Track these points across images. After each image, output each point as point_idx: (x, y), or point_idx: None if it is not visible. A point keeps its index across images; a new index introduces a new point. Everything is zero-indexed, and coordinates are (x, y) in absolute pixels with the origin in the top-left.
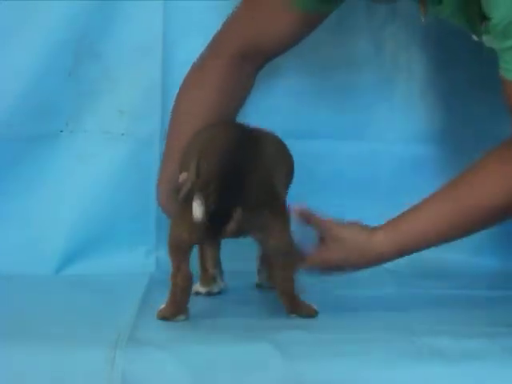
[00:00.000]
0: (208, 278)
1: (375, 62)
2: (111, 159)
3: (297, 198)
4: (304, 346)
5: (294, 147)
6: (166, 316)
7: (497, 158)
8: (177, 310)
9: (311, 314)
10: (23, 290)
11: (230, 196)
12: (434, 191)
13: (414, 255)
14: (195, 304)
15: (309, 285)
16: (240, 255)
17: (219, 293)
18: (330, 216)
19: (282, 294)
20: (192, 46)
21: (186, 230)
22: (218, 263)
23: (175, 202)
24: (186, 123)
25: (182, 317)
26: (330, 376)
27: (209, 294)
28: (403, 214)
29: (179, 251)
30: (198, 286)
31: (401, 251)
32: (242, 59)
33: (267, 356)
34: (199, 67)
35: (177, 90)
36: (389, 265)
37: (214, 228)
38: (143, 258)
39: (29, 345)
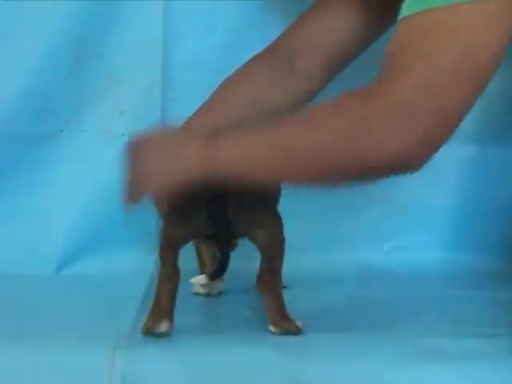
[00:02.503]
0: (209, 262)
1: (375, 61)
2: (111, 159)
3: (296, 197)
4: (304, 347)
5: None
6: (149, 326)
7: (345, 102)
8: (159, 315)
9: (292, 330)
10: (23, 289)
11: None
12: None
13: (414, 255)
14: (195, 304)
15: (309, 284)
16: (240, 255)
17: (219, 294)
18: (330, 217)
19: (268, 293)
20: (192, 46)
21: (178, 227)
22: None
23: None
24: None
25: (165, 324)
26: (330, 376)
27: (208, 294)
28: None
29: (170, 250)
30: (197, 287)
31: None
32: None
33: (267, 356)
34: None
35: (177, 90)
36: (389, 265)
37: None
38: (143, 258)
39: (29, 345)
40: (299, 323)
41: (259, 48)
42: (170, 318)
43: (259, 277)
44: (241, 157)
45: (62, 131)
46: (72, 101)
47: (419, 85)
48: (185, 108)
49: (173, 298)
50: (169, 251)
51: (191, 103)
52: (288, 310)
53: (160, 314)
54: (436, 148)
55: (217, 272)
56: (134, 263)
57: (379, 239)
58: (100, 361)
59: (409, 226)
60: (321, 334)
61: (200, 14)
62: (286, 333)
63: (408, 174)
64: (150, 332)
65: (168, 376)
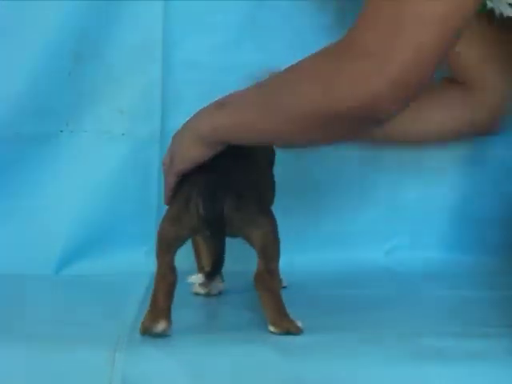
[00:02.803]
0: (206, 260)
1: None
2: (111, 159)
3: (296, 197)
4: (304, 347)
5: None
6: (146, 326)
7: (321, 57)
8: (156, 315)
9: (292, 330)
10: (23, 289)
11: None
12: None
13: (414, 255)
14: (195, 304)
15: (309, 284)
16: (240, 255)
17: (219, 294)
18: (330, 217)
19: (267, 293)
20: (192, 46)
21: (171, 224)
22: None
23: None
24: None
25: (162, 323)
26: (330, 376)
27: (208, 294)
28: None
29: (165, 247)
30: (196, 287)
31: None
32: None
33: (267, 356)
34: None
35: (177, 90)
36: (389, 265)
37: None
38: (143, 258)
39: (29, 345)
40: (299, 323)
41: (259, 48)
42: (168, 317)
43: (257, 277)
44: (236, 121)
45: (62, 131)
46: (72, 101)
47: (388, 30)
48: (185, 108)
49: (170, 297)
50: (164, 250)
51: (191, 103)
52: (288, 309)
53: (157, 313)
54: (408, 93)
55: (213, 271)
56: (134, 263)
57: (379, 239)
58: (100, 361)
59: (409, 226)
60: (321, 334)
61: (200, 14)
62: (286, 333)
63: (380, 122)
64: (147, 331)
65: (168, 376)
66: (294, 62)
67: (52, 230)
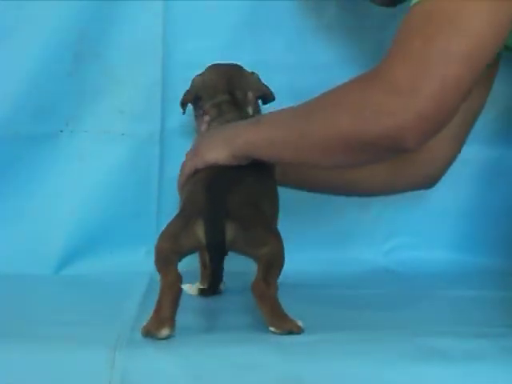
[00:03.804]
0: (207, 275)
1: (376, 61)
2: (111, 159)
3: (296, 197)
4: (304, 346)
5: None
6: (149, 330)
7: (351, 87)
8: (160, 322)
9: (293, 330)
10: (23, 289)
11: (220, 213)
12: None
13: (414, 255)
14: (195, 304)
15: (309, 284)
16: (240, 256)
17: (219, 293)
18: (330, 216)
19: (262, 299)
20: (192, 46)
21: (167, 241)
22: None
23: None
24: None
25: (166, 330)
26: (330, 376)
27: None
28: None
29: (163, 262)
30: (198, 285)
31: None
32: None
33: (267, 356)
34: None
35: (177, 90)
36: (389, 265)
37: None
38: (143, 258)
39: (28, 345)
40: (300, 323)
41: (259, 48)
42: (172, 325)
43: (253, 284)
44: (268, 140)
45: (61, 131)
46: (72, 101)
47: (416, 65)
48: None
49: (175, 305)
50: (163, 264)
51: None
52: (288, 310)
53: (161, 320)
54: (434, 126)
55: (208, 291)
56: (134, 263)
57: (379, 239)
58: (100, 361)
59: (409, 226)
60: (321, 334)
61: (200, 14)
62: (288, 333)
63: (406, 152)
64: (149, 335)
65: (168, 376)
66: (293, 62)
67: (52, 230)
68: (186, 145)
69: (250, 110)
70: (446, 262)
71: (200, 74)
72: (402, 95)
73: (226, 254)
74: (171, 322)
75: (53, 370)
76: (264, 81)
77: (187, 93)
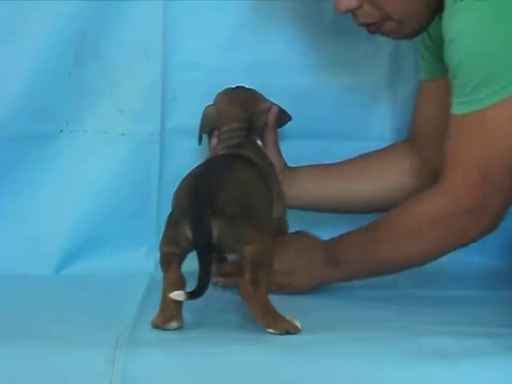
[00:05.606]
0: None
1: (375, 62)
2: (111, 159)
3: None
4: (303, 347)
5: (294, 147)
6: (158, 323)
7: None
8: (168, 316)
9: (291, 330)
10: (23, 289)
11: (205, 209)
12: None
13: None
14: (195, 304)
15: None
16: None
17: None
18: (330, 216)
19: (252, 302)
20: (192, 46)
21: (166, 244)
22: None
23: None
24: None
25: (174, 323)
26: (330, 376)
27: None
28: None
29: (165, 264)
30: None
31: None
32: None
33: (267, 356)
34: None
35: (177, 90)
36: None
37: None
38: (143, 257)
39: (29, 345)
40: (297, 322)
41: (258, 48)
42: (180, 317)
43: (240, 287)
44: (348, 273)
45: (61, 131)
46: (72, 101)
47: (485, 187)
48: (185, 108)
49: (179, 304)
50: (165, 265)
51: (191, 103)
52: (288, 310)
53: (169, 314)
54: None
55: (195, 294)
56: (134, 263)
57: None
58: (100, 361)
59: None
60: (320, 334)
61: (200, 13)
62: (286, 333)
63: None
64: (159, 327)
65: (168, 376)
66: (293, 62)
67: (52, 230)
68: (186, 145)
69: (259, 141)
70: (446, 262)
71: (213, 104)
72: (473, 216)
73: (213, 252)
74: (179, 315)
75: (53, 369)
76: (264, 81)
77: (203, 125)
